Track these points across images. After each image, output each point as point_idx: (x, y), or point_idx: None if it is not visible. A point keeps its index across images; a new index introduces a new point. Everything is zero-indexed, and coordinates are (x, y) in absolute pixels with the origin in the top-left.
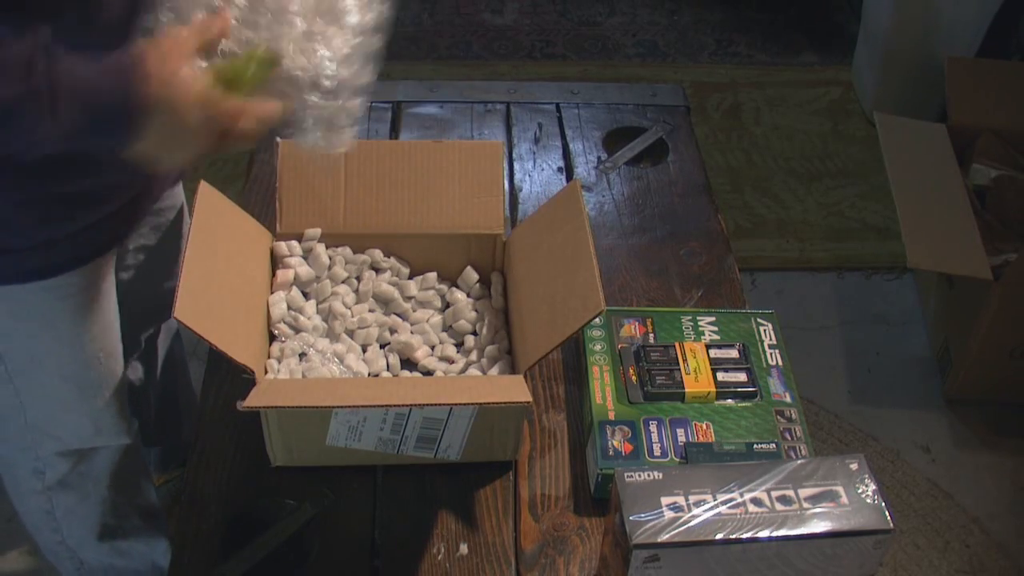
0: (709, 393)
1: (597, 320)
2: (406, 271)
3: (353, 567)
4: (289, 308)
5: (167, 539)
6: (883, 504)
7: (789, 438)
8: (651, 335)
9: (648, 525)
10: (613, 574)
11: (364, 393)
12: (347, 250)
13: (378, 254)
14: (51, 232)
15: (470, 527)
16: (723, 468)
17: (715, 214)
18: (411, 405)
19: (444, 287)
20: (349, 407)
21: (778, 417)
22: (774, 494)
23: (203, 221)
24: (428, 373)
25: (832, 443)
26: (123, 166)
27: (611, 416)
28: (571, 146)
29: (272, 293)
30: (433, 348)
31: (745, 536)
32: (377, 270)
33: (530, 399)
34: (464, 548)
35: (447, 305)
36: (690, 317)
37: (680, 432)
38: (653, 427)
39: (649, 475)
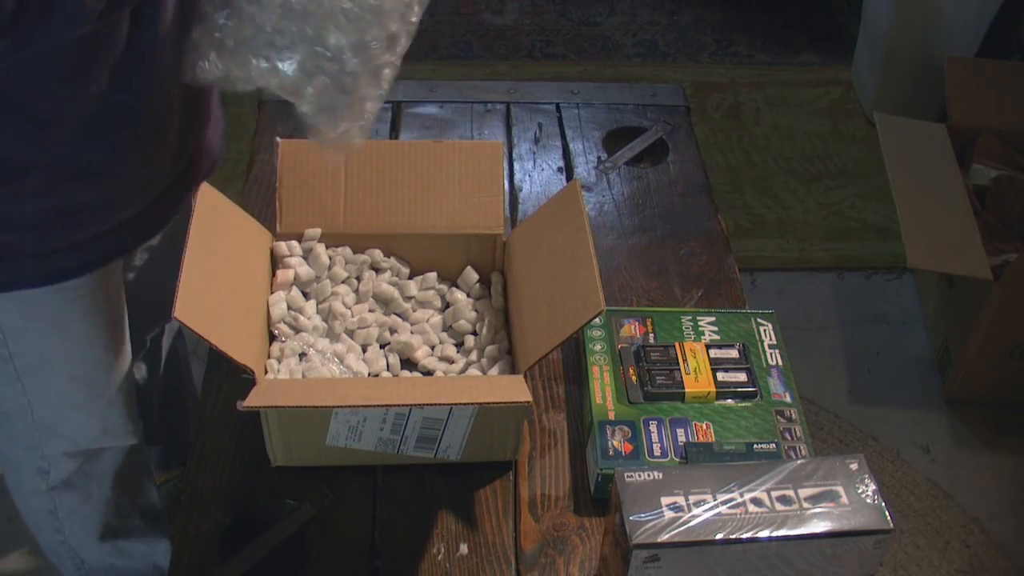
0: (709, 393)
1: (597, 320)
2: (406, 271)
3: (353, 567)
4: (289, 308)
5: (168, 539)
6: (883, 504)
7: (789, 438)
8: (651, 335)
9: (648, 525)
10: (613, 574)
11: (364, 393)
12: (347, 250)
13: (378, 254)
14: (71, 237)
15: (470, 527)
16: (723, 468)
17: (715, 214)
18: (411, 405)
19: (444, 287)
20: (349, 407)
21: (778, 417)
22: (774, 494)
23: (203, 221)
24: (428, 373)
25: (832, 443)
26: (140, 168)
27: (611, 416)
28: (571, 146)
29: (272, 293)
30: (433, 348)
31: (745, 536)
32: (377, 270)
33: (530, 399)
34: (464, 548)
35: (447, 305)
36: (690, 317)
37: (680, 432)
38: (653, 427)
39: (649, 475)
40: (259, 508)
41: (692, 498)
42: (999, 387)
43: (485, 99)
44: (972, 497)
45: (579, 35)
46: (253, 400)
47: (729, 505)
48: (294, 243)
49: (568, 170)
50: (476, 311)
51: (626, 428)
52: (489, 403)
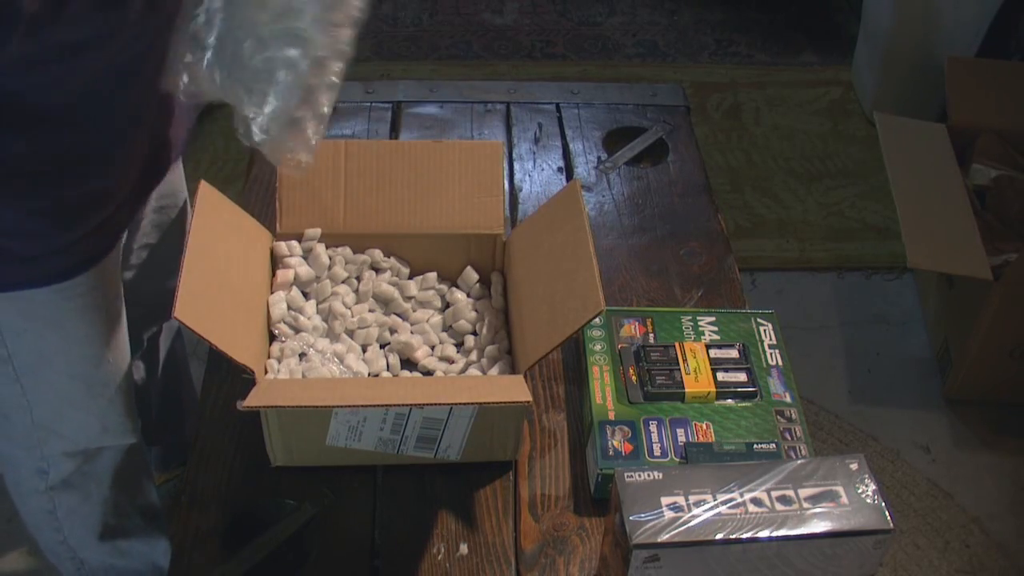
0: (709, 393)
1: (597, 320)
2: (406, 271)
3: (353, 567)
4: (289, 308)
5: (167, 539)
6: (883, 504)
7: (789, 438)
8: (651, 335)
9: (648, 525)
10: (613, 574)
11: (364, 393)
12: (347, 250)
13: (378, 254)
14: (67, 236)
15: (470, 527)
16: (723, 468)
17: (715, 214)
18: (411, 405)
19: (444, 287)
20: (349, 407)
21: (778, 417)
22: (774, 494)
23: (203, 221)
24: (428, 373)
25: (832, 443)
26: (127, 163)
27: (611, 416)
28: (571, 146)
29: (272, 293)
30: (433, 348)
31: (745, 536)
32: (377, 270)
33: (530, 399)
34: (464, 548)
35: (447, 305)
36: (690, 317)
37: (680, 432)
38: (653, 427)
39: (649, 475)
40: (259, 508)
41: (692, 498)
42: (999, 387)
43: (485, 99)
44: (972, 497)
45: (579, 35)
46: (253, 400)
47: (729, 505)
48: (294, 243)
49: (568, 170)
50: (476, 311)
51: (626, 428)
52: (489, 403)
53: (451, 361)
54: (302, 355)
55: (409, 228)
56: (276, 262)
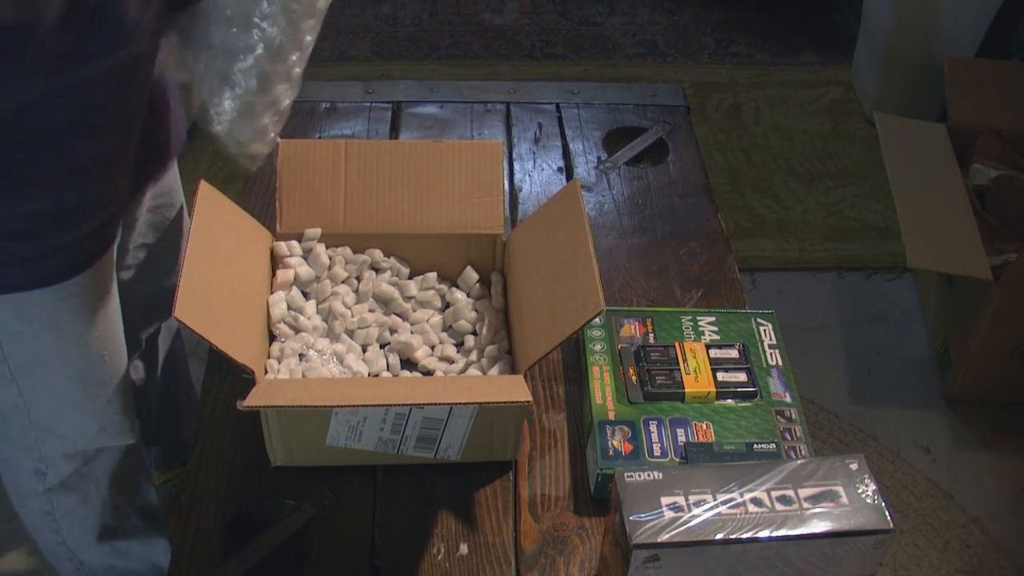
0: (709, 393)
1: (597, 320)
2: (406, 271)
3: (353, 567)
4: (289, 308)
5: (167, 539)
6: (883, 504)
7: (789, 438)
8: (651, 335)
9: (648, 525)
10: (613, 574)
11: (364, 393)
12: (347, 250)
13: (378, 254)
14: (65, 238)
15: (470, 527)
16: (723, 468)
17: (715, 214)
18: (411, 405)
19: (444, 287)
20: (349, 407)
21: (778, 417)
22: (774, 494)
23: (203, 221)
24: (428, 373)
25: (832, 443)
26: (124, 163)
27: (611, 416)
28: (571, 146)
29: (272, 293)
30: (433, 348)
31: (745, 536)
32: (377, 270)
33: (530, 399)
34: (464, 548)
35: (447, 305)
36: (690, 317)
37: (680, 432)
38: (653, 427)
39: (649, 475)
40: (259, 508)
41: (692, 498)
42: (999, 387)
43: (485, 99)
44: (972, 497)
45: (579, 35)
46: (253, 400)
47: (729, 505)
48: (294, 243)
49: (568, 170)
50: (476, 311)
51: (626, 428)
52: (489, 403)
53: (451, 361)
54: (302, 355)
55: (409, 228)
56: (276, 262)
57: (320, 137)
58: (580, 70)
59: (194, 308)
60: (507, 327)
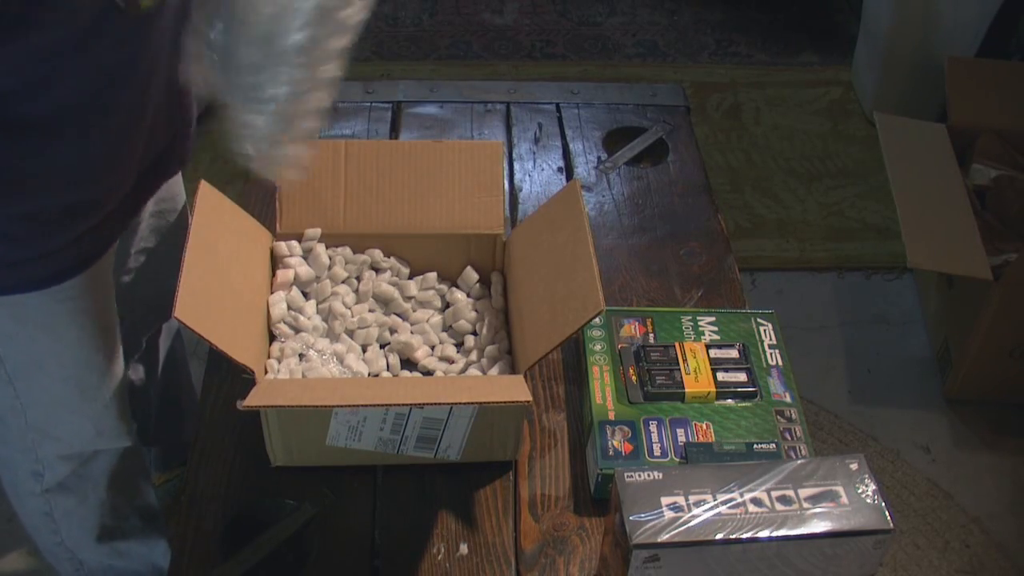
0: (709, 393)
1: (597, 320)
2: (406, 271)
3: (353, 567)
4: (289, 308)
5: (166, 540)
6: (883, 504)
7: (789, 438)
8: (651, 335)
9: (648, 525)
10: (613, 574)
11: (364, 393)
12: (347, 250)
13: (378, 254)
14: (54, 242)
15: (470, 527)
16: (723, 468)
17: (715, 214)
18: (411, 405)
19: (444, 287)
20: (349, 407)
21: (778, 417)
22: (774, 494)
23: (203, 221)
24: (428, 373)
25: (832, 443)
26: (119, 167)
27: (611, 416)
28: (571, 146)
29: (272, 293)
30: (433, 348)
31: (745, 536)
32: (377, 270)
33: (530, 399)
34: (464, 548)
35: (447, 305)
36: (690, 317)
37: (680, 432)
38: (653, 427)
39: (649, 475)
40: (259, 508)
41: (692, 498)
42: (999, 387)
43: (485, 99)
44: (972, 497)
45: (579, 35)
46: (253, 400)
47: (729, 505)
48: (294, 243)
49: (568, 170)
50: (476, 311)
51: (626, 428)
52: (489, 403)
53: (451, 361)
54: (302, 355)
55: (409, 228)
56: (276, 262)
57: (320, 137)
58: (580, 70)
59: (194, 308)
60: (507, 327)
